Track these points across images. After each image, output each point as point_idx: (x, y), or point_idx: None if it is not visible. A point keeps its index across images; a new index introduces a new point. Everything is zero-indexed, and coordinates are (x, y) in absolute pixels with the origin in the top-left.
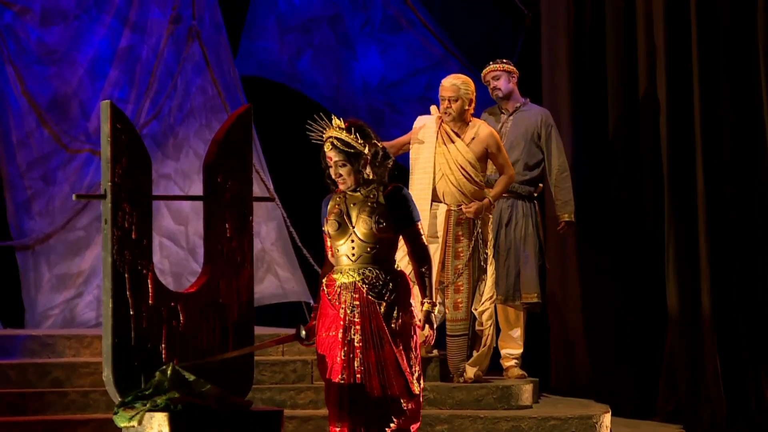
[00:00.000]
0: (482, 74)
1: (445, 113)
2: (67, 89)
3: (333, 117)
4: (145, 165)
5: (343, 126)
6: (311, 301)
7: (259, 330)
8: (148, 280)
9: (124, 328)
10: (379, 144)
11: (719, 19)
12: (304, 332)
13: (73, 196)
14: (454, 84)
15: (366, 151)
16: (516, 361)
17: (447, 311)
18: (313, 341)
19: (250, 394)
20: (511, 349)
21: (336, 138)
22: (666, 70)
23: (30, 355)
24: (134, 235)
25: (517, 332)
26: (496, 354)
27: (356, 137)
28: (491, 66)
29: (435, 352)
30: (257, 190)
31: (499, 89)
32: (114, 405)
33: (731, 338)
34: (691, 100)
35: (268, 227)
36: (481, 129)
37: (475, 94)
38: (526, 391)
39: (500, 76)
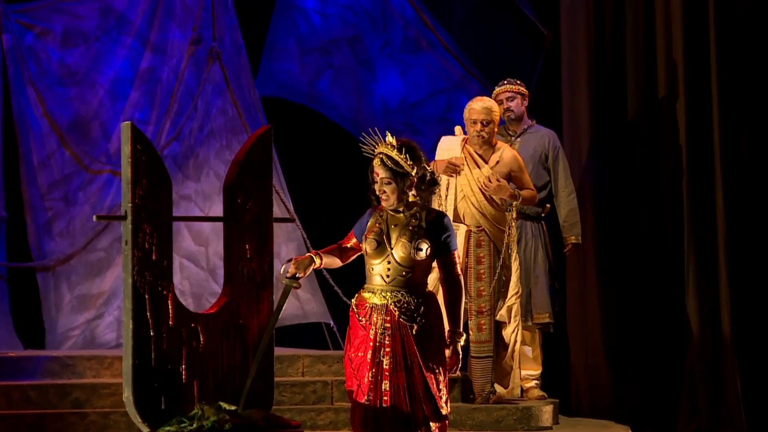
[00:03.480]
0: (494, 93)
1: (478, 136)
2: (88, 110)
3: (387, 133)
4: (166, 186)
5: (395, 144)
6: (331, 322)
7: (278, 351)
8: (169, 301)
9: (144, 349)
10: (428, 168)
11: (739, 37)
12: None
13: (94, 217)
14: (486, 107)
15: (413, 173)
16: (536, 382)
17: (470, 333)
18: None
19: None
20: (531, 370)
21: (386, 155)
22: (686, 89)
23: (50, 376)
24: (155, 256)
25: (534, 352)
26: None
27: (406, 158)
28: (506, 86)
29: (458, 373)
30: (277, 210)
31: (512, 110)
32: (134, 426)
33: (752, 359)
34: (711, 119)
35: (288, 248)
36: (505, 152)
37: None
38: (546, 412)
39: (515, 97)
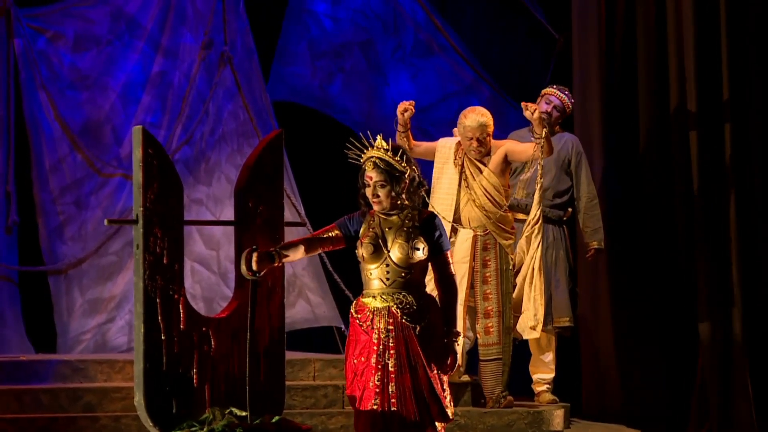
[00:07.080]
0: (545, 91)
1: (475, 152)
2: (100, 114)
3: (379, 137)
4: (177, 190)
5: (388, 147)
6: (342, 326)
7: (290, 355)
8: (180, 305)
9: (155, 353)
10: (416, 170)
11: (750, 41)
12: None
13: (105, 221)
14: (481, 124)
15: (407, 175)
16: (548, 386)
17: (478, 336)
18: (258, 275)
19: None
20: (543, 374)
21: (379, 158)
22: (697, 93)
23: (62, 379)
24: (166, 260)
25: (549, 357)
26: (527, 379)
27: (400, 160)
28: (558, 93)
29: (466, 377)
30: (288, 214)
31: (549, 114)
32: (145, 430)
33: (763, 364)
34: (723, 123)
35: None
36: (494, 150)
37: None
38: (558, 416)
39: (561, 107)
